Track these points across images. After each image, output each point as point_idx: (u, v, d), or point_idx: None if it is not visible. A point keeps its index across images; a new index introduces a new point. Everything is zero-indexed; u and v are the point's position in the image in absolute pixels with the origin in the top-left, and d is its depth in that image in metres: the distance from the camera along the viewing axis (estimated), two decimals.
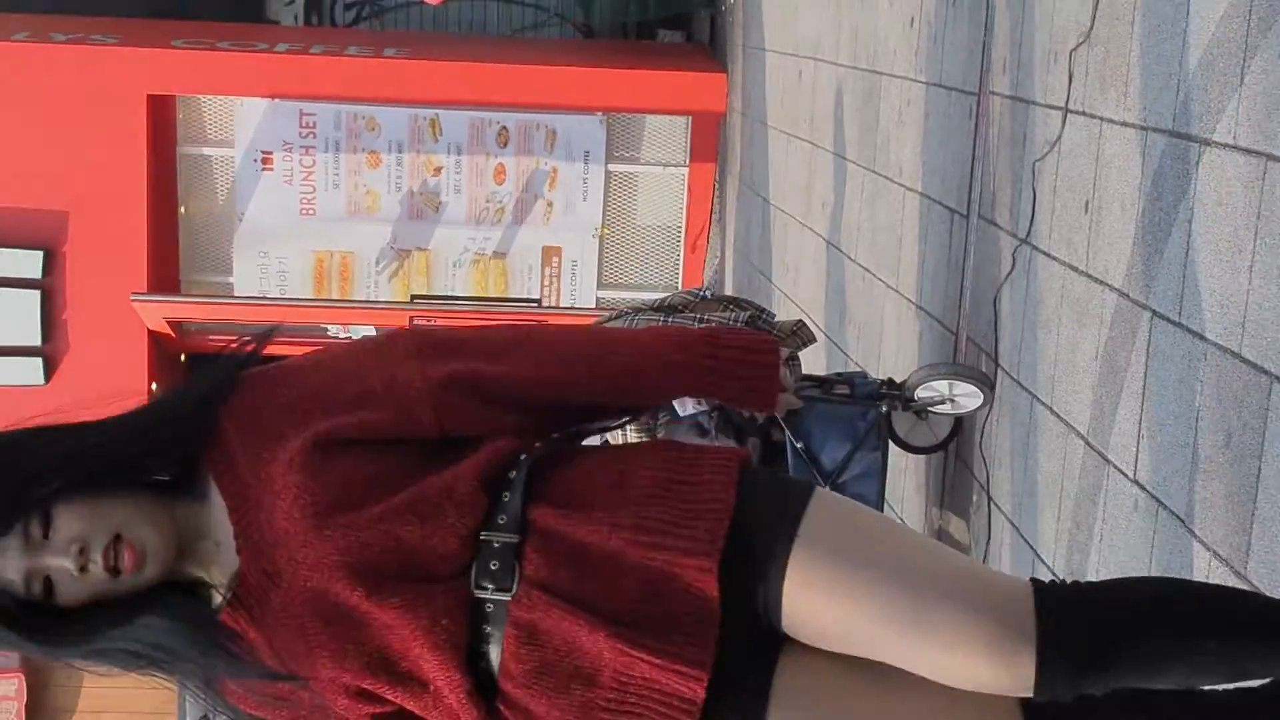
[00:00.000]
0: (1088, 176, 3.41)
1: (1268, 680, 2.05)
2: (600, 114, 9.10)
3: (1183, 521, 2.82)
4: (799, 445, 4.19)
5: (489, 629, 1.95)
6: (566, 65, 9.12)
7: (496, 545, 1.95)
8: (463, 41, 10.44)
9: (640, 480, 2.01)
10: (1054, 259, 3.61)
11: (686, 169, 9.33)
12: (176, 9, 10.15)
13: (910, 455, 4.56)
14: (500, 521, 1.96)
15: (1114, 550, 3.16)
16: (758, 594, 1.98)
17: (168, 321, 8.93)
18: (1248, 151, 2.63)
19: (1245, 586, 2.55)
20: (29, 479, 1.93)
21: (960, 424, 4.35)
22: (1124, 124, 3.20)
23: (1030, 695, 1.96)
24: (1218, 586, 2.36)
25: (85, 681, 10.20)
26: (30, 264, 8.86)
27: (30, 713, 10.02)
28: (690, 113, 9.18)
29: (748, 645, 2.00)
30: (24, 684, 9.98)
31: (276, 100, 9.00)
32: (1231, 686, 2.08)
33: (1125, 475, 3.11)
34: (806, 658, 2.02)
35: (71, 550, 1.90)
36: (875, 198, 5.53)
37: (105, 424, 2.02)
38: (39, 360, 8.96)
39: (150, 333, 8.95)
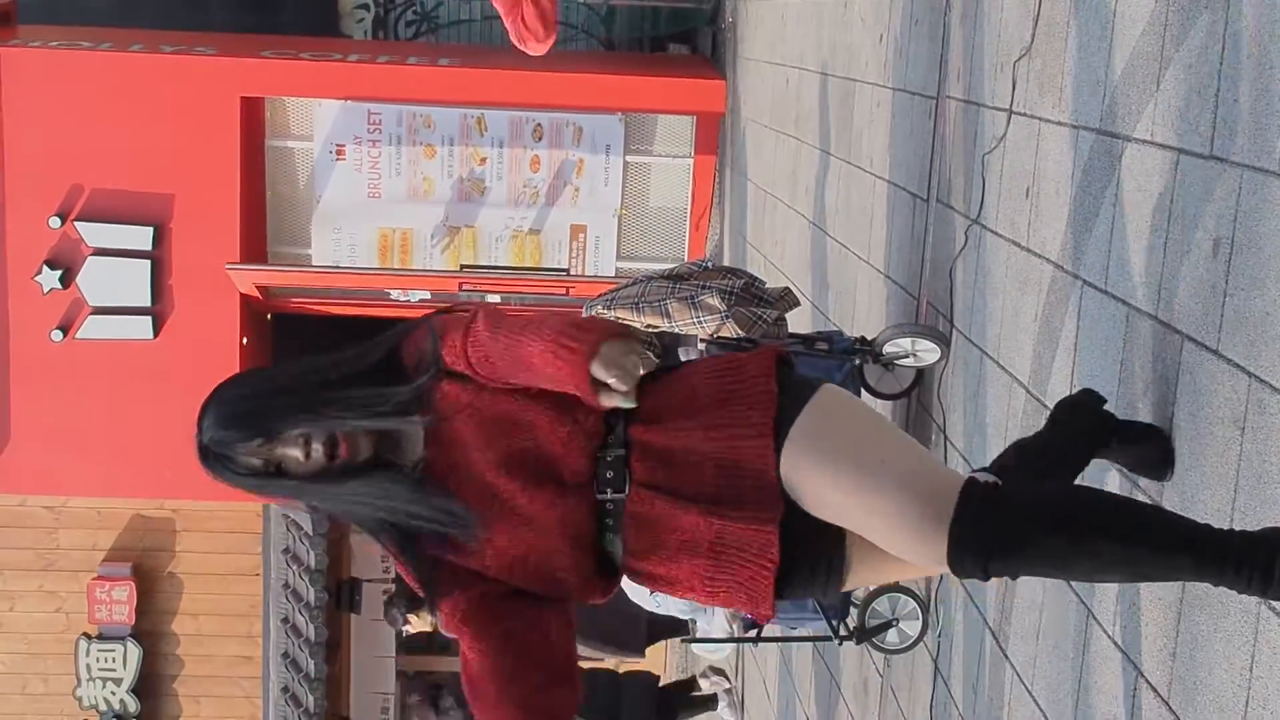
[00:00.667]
0: (1029, 167, 3.38)
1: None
2: (619, 114, 9.05)
3: (1106, 464, 2.81)
4: None
5: (610, 522, 2.17)
6: (591, 73, 9.07)
7: (610, 459, 2.15)
8: (504, 53, 10.37)
9: (704, 392, 2.19)
10: (1000, 236, 3.59)
11: (691, 160, 9.28)
12: (266, 26, 10.11)
13: (879, 400, 4.56)
14: (610, 441, 2.16)
15: None
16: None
17: (256, 286, 8.93)
18: (1163, 147, 2.61)
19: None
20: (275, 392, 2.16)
21: (921, 375, 4.34)
22: (1059, 123, 3.18)
23: (942, 565, 2.09)
24: (1129, 499, 2.36)
25: (185, 588, 10.26)
26: (142, 238, 8.86)
27: (139, 615, 10.09)
28: (695, 113, 9.13)
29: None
30: (134, 590, 10.03)
31: (348, 101, 8.96)
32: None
33: None
34: None
35: (299, 441, 2.12)
36: (850, 184, 5.50)
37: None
38: (149, 319, 8.97)
39: (241, 296, 8.95)
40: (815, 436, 2.13)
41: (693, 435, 2.15)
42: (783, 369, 2.22)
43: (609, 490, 2.15)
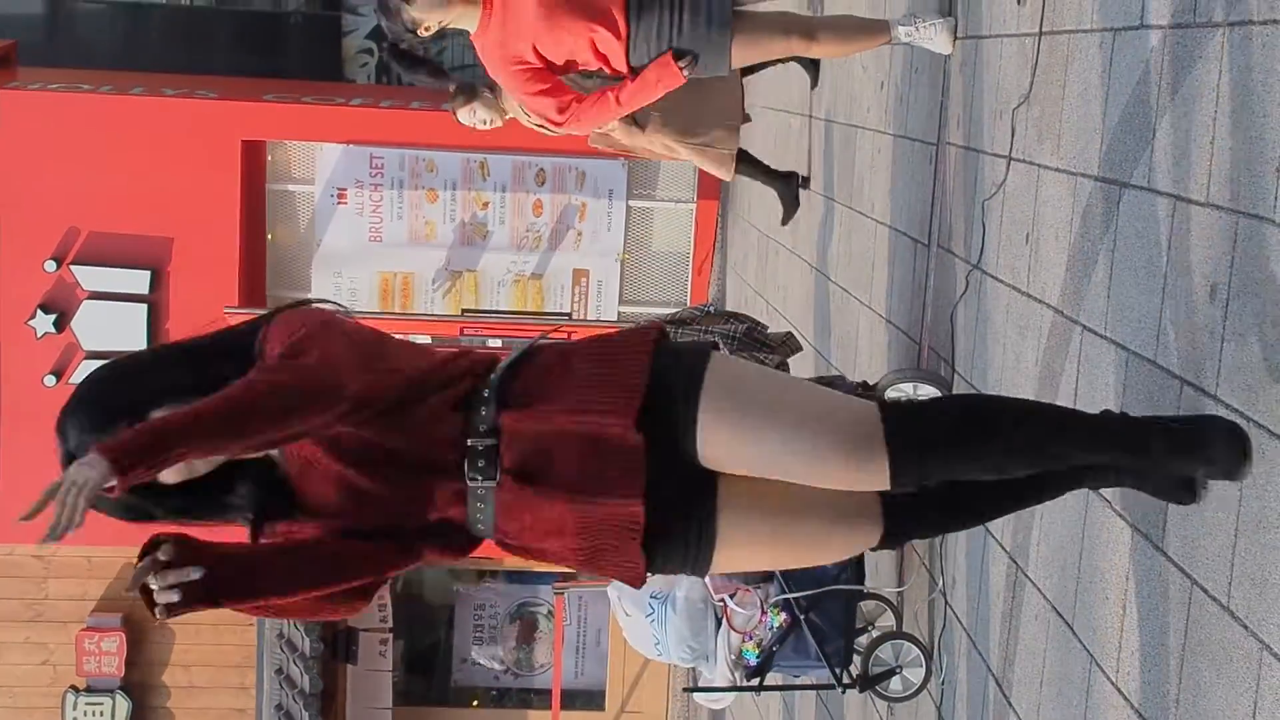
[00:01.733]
0: (1028, 213, 3.43)
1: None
2: (622, 158, 9.13)
3: (1109, 503, 2.84)
4: None
5: (481, 505, 2.21)
6: None
7: (481, 448, 2.19)
8: None
9: (578, 370, 2.24)
10: (1000, 282, 3.63)
11: (694, 205, 9.35)
12: (268, 69, 10.21)
13: None
14: (481, 430, 2.19)
15: (1052, 526, 3.18)
16: (683, 439, 2.21)
17: None
18: (1160, 193, 2.66)
19: (1162, 560, 2.58)
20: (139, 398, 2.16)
21: None
22: (1058, 170, 3.23)
23: (886, 487, 2.22)
24: (1025, 399, 2.60)
25: (177, 639, 10.21)
26: (139, 281, 8.90)
27: (129, 666, 10.03)
28: None
29: (689, 481, 2.24)
30: (124, 641, 9.98)
31: (350, 145, 9.04)
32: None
33: None
34: (737, 484, 2.27)
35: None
36: (852, 230, 5.55)
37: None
38: None
39: None
40: (726, 403, 2.20)
41: (559, 417, 2.19)
42: (661, 344, 2.27)
43: (479, 478, 2.19)
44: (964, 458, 2.23)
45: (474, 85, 6.10)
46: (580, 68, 4.19)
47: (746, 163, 6.18)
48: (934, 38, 4.12)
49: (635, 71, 4.10)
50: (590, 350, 2.28)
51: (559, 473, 2.20)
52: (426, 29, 4.03)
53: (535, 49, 4.06)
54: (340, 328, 2.22)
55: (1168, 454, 2.26)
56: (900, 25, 4.18)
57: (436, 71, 4.25)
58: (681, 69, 4.04)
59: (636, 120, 5.78)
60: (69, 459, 2.14)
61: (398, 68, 4.30)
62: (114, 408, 2.14)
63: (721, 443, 2.21)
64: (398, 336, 2.39)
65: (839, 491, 2.29)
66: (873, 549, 2.45)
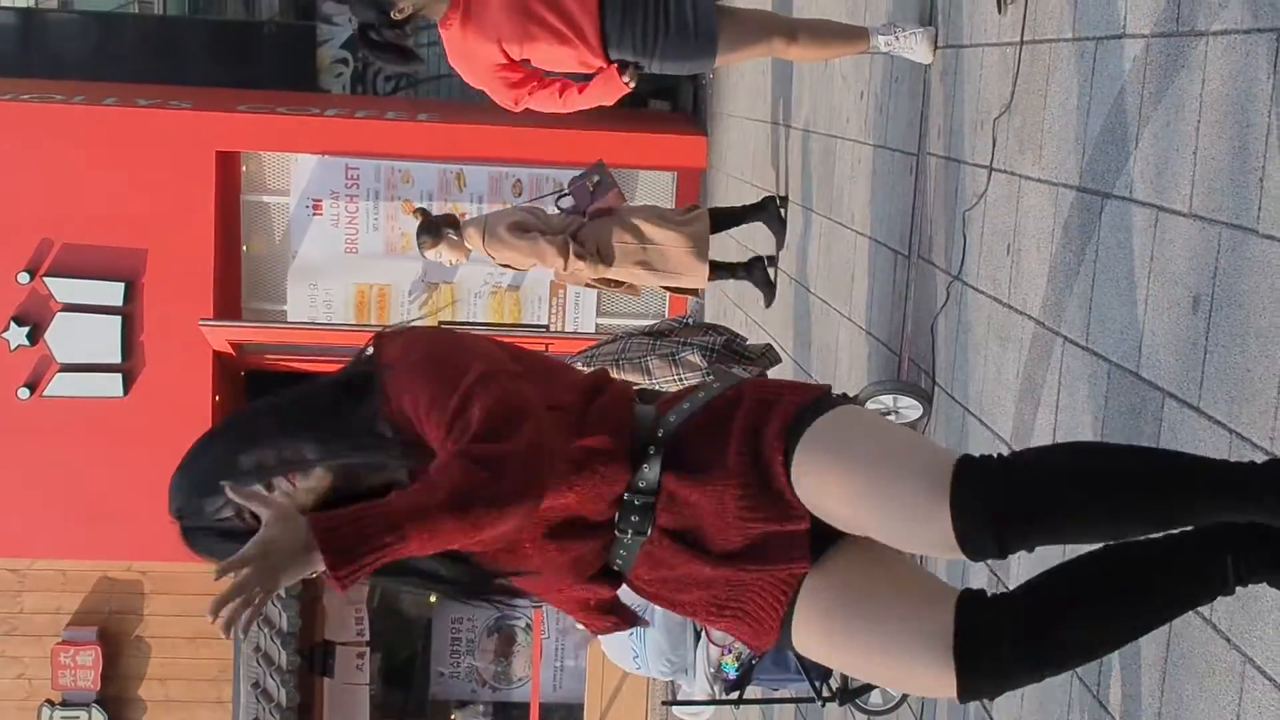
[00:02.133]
0: (1009, 224, 3.43)
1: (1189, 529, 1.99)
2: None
3: None
4: None
5: (624, 554, 2.11)
6: (571, 128, 9.15)
7: (637, 504, 2.08)
8: (484, 109, 10.44)
9: (734, 461, 2.07)
10: (981, 293, 3.63)
11: None
12: (243, 80, 10.17)
13: None
14: (641, 486, 2.08)
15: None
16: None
17: (230, 343, 8.93)
18: (1143, 204, 2.66)
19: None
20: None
21: None
22: (1039, 180, 3.23)
23: (957, 552, 1.96)
24: (1131, 446, 2.22)
25: (153, 652, 10.15)
26: (113, 293, 8.85)
27: (105, 681, 9.97)
28: (676, 169, 9.20)
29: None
30: (100, 655, 9.92)
31: (326, 156, 9.01)
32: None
33: None
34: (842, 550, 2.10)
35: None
36: (831, 241, 5.55)
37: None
38: (119, 376, 8.95)
39: (215, 352, 8.94)
40: (816, 452, 2.05)
41: (726, 500, 2.06)
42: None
43: (630, 532, 2.09)
44: (1054, 526, 1.97)
45: (439, 226, 6.36)
46: (552, 67, 4.21)
47: (714, 270, 6.39)
48: (914, 47, 4.12)
49: (610, 58, 4.14)
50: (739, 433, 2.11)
51: (715, 544, 2.09)
52: (400, 11, 4.03)
53: (501, 45, 4.09)
54: (503, 370, 2.05)
55: None
56: (880, 34, 4.18)
57: (406, 55, 4.27)
58: (626, 81, 4.13)
59: (601, 254, 6.11)
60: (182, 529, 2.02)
61: (367, 53, 4.34)
62: (241, 473, 1.98)
63: (808, 496, 2.06)
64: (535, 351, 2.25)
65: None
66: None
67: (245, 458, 2.01)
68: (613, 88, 4.19)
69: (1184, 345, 2.45)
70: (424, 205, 7.58)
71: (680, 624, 5.30)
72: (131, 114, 8.77)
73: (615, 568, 2.14)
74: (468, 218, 6.72)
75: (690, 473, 2.07)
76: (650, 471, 2.07)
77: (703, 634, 4.98)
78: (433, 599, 12.17)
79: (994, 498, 1.94)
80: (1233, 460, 2.02)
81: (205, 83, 10.07)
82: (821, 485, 2.03)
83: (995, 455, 2.03)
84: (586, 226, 6.32)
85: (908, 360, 4.32)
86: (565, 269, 6.25)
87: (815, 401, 2.11)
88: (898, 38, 4.13)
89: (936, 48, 4.09)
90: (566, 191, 6.88)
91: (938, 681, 2.01)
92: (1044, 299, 3.15)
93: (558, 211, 6.70)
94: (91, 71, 10.31)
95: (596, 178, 6.69)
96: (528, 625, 11.30)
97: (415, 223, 6.49)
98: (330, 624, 10.56)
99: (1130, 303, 2.69)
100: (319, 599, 10.31)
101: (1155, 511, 1.94)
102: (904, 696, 4.21)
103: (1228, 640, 2.23)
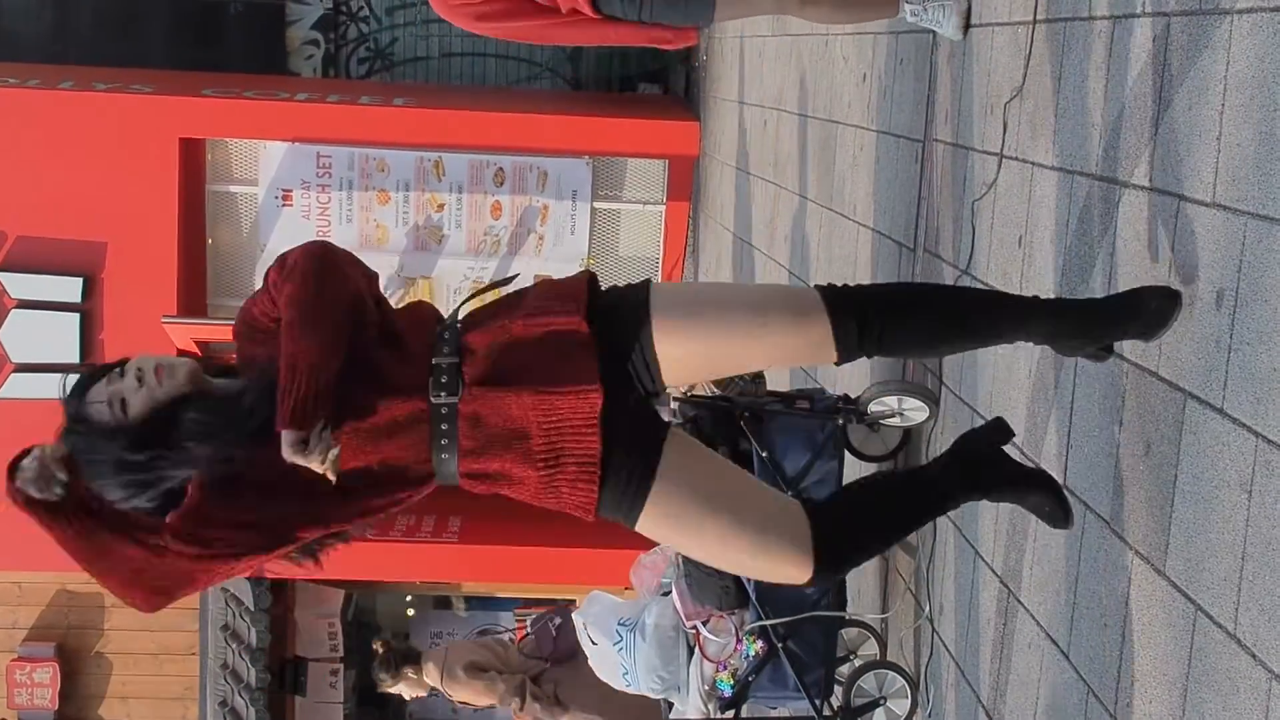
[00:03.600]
0: (1021, 215, 3.42)
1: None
2: (586, 157, 9.11)
3: (1108, 523, 2.83)
4: (764, 454, 4.19)
5: (445, 427, 2.46)
6: (556, 114, 9.14)
7: (444, 365, 2.48)
8: (464, 92, 10.44)
9: (528, 297, 2.58)
10: (991, 287, 3.62)
11: (663, 207, 9.34)
12: (208, 62, 10.15)
13: (864, 463, 4.57)
14: (445, 351, 2.50)
15: (1046, 549, 3.17)
16: (634, 357, 2.53)
17: (195, 342, 8.89)
18: (1163, 193, 2.65)
19: (1164, 584, 2.56)
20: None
21: (908, 435, 4.36)
22: (1053, 168, 3.22)
23: (834, 359, 2.57)
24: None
25: (114, 669, 10.13)
26: (71, 289, 8.83)
27: (63, 699, 9.94)
28: (667, 156, 9.20)
29: (640, 421, 2.55)
30: (58, 671, 9.90)
31: (296, 144, 8.99)
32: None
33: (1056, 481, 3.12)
34: (682, 449, 2.58)
35: (132, 372, 2.50)
36: (832, 232, 5.54)
37: None
38: (77, 377, 8.91)
39: (179, 351, 8.92)
40: (677, 307, 2.57)
41: (514, 324, 2.50)
42: (594, 280, 2.60)
43: (443, 394, 2.45)
44: (906, 329, 2.61)
45: (398, 664, 6.99)
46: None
47: None
48: (943, 21, 3.98)
49: (604, 18, 4.05)
50: (537, 287, 2.62)
51: (520, 369, 2.46)
52: None
53: None
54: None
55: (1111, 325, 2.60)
56: (908, 2, 4.02)
57: None
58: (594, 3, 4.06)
59: (560, 702, 6.49)
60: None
61: None
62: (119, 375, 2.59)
63: (677, 347, 2.53)
64: None
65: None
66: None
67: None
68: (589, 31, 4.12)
69: (1206, 343, 2.45)
70: (385, 639, 8.02)
71: (672, 639, 5.29)
72: (89, 99, 8.74)
73: (440, 462, 2.47)
74: (430, 650, 7.25)
75: (485, 321, 2.53)
76: (451, 336, 2.50)
77: (696, 649, 4.97)
78: (410, 612, 12.15)
79: (857, 312, 2.59)
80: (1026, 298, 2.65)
81: (168, 65, 10.04)
82: (684, 328, 2.53)
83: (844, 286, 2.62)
84: (549, 671, 6.76)
85: (914, 360, 4.32)
86: (521, 710, 6.74)
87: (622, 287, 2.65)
88: (926, 7, 4.00)
89: (968, 25, 3.98)
90: (529, 627, 7.44)
91: (792, 563, 2.56)
92: (1057, 293, 3.15)
93: (523, 644, 7.31)
94: (46, 54, 10.27)
95: (558, 620, 6.97)
96: (511, 640, 11.29)
97: (378, 656, 7.07)
98: (302, 639, 10.54)
99: None
100: (290, 613, 10.29)
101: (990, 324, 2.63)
102: (910, 715, 4.20)
103: (1252, 655, 2.23)
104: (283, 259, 2.52)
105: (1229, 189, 2.40)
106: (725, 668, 4.74)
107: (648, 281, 2.61)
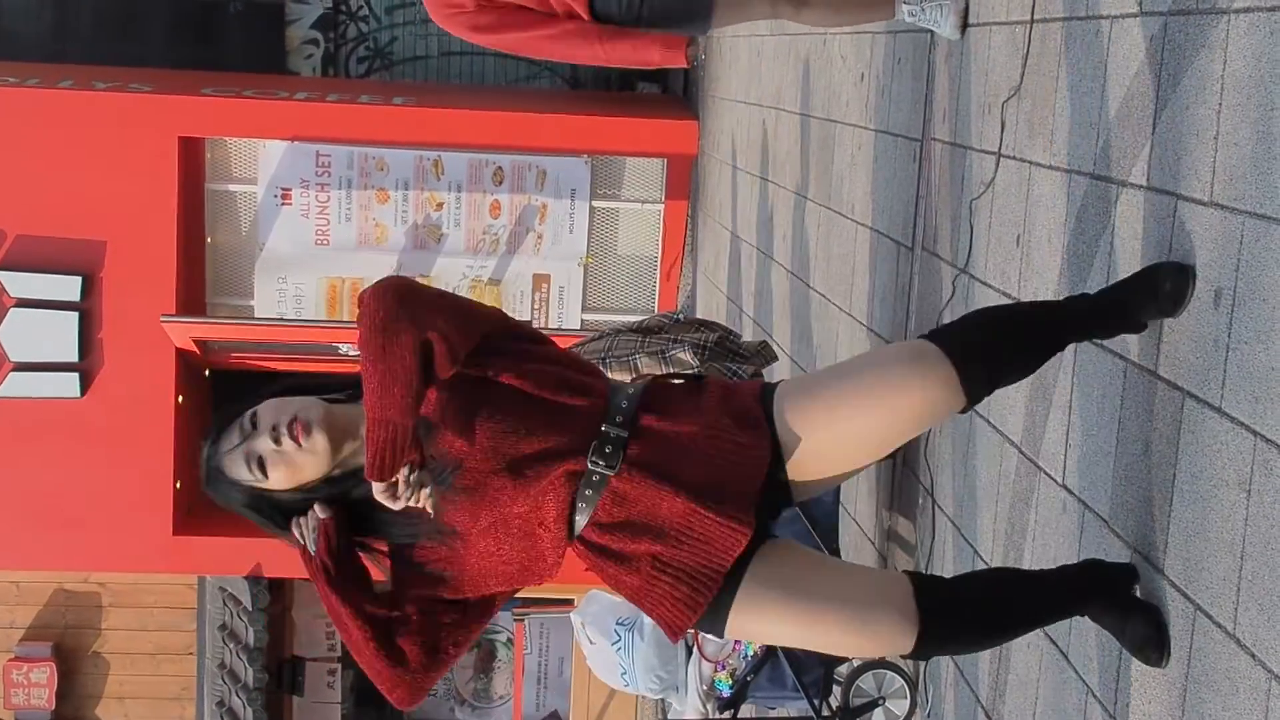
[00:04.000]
0: (1019, 213, 3.42)
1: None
2: (585, 156, 9.11)
3: (1106, 523, 2.83)
4: None
5: (589, 493, 2.38)
6: (555, 113, 9.14)
7: (611, 435, 2.39)
8: (463, 91, 10.44)
9: (709, 401, 2.47)
10: (989, 286, 3.62)
11: (662, 205, 9.34)
12: (207, 61, 10.14)
13: None
14: (617, 420, 2.40)
15: (1045, 548, 3.17)
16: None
17: (194, 340, 8.90)
18: (1160, 192, 2.65)
19: (1163, 584, 2.56)
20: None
21: None
22: (1050, 167, 3.22)
23: (947, 403, 2.46)
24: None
25: (111, 669, 10.13)
26: (70, 288, 8.83)
27: (60, 699, 9.94)
28: (665, 155, 9.20)
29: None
30: (55, 672, 9.89)
31: (295, 142, 8.99)
32: None
33: (1055, 481, 3.12)
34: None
35: (267, 430, 2.40)
36: (830, 231, 5.54)
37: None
38: (76, 375, 8.92)
39: (178, 350, 8.91)
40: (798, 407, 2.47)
41: (697, 429, 2.41)
42: (766, 394, 2.49)
43: (601, 463, 2.37)
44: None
45: None
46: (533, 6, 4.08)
47: None
48: (940, 20, 3.96)
49: (600, 20, 4.02)
50: (714, 387, 2.53)
51: (684, 475, 2.38)
52: None
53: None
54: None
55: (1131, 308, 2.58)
56: (904, 3, 3.99)
57: None
58: (689, 56, 4.03)
59: None
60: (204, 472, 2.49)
61: None
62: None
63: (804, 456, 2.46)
64: None
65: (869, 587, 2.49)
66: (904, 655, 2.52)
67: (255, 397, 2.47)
68: (673, 57, 4.07)
69: (1204, 342, 2.44)
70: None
71: None
72: (89, 97, 8.74)
73: (574, 515, 2.39)
74: None
75: (665, 408, 2.43)
76: (628, 406, 2.41)
77: (695, 649, 4.97)
78: None
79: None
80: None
81: (168, 65, 10.04)
82: (807, 413, 2.43)
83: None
84: None
85: None
86: None
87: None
88: (923, 8, 3.98)
89: (966, 25, 3.96)
90: None
91: (896, 631, 2.42)
92: (1056, 293, 3.14)
93: None
94: (46, 53, 10.27)
95: None
96: (509, 640, 11.29)
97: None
98: (300, 639, 10.54)
99: None
100: (287, 612, 10.30)
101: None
102: (909, 716, 4.20)
103: (1252, 655, 2.22)
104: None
105: (1226, 188, 2.39)
106: (724, 668, 4.75)
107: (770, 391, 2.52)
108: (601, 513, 2.39)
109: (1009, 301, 3.45)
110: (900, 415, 2.43)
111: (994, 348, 2.50)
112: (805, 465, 2.45)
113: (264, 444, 2.40)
